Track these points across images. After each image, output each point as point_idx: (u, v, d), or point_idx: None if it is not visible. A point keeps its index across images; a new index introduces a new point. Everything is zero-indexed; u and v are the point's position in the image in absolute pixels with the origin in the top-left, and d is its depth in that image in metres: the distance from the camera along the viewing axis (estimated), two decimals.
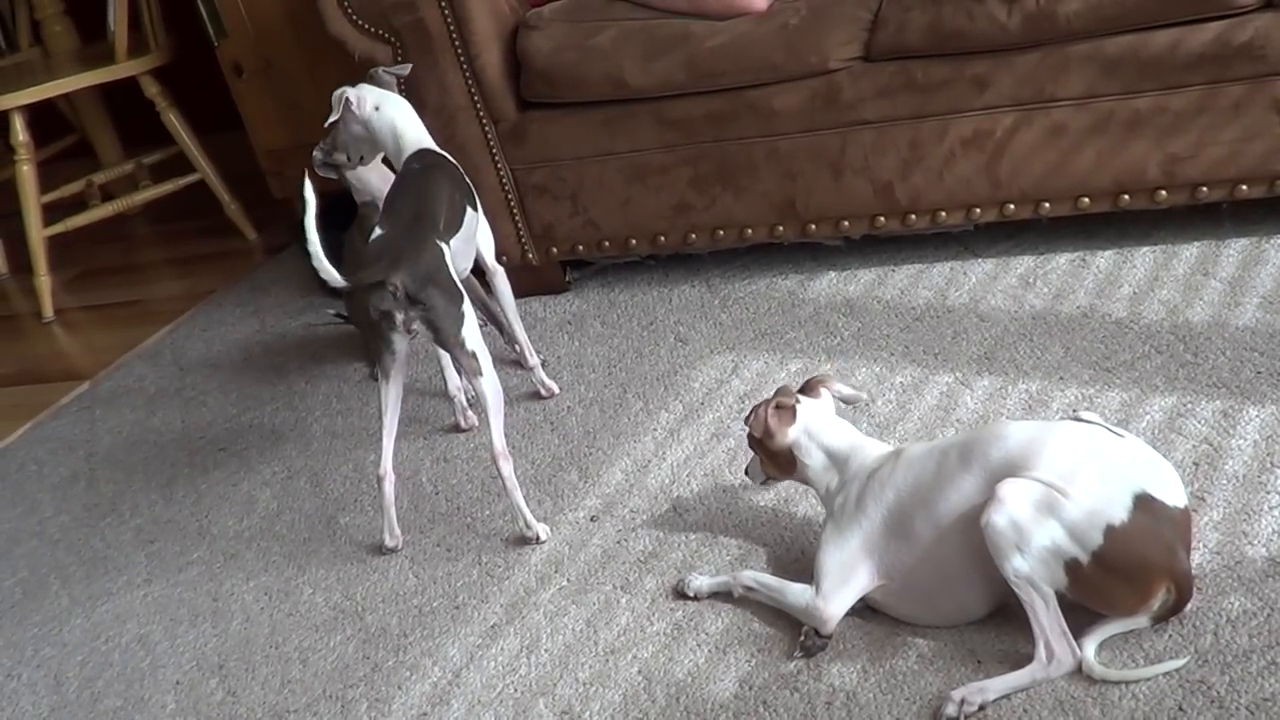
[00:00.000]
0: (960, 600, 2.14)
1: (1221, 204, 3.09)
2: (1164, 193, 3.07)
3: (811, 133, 3.25)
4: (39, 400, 3.97)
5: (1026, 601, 1.99)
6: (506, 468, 2.62)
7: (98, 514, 3.25)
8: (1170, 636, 2.02)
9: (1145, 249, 3.14)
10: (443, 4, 3.36)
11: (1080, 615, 2.01)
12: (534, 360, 3.17)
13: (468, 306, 2.63)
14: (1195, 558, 2.15)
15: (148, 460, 3.45)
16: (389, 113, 2.96)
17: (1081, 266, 3.14)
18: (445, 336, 2.62)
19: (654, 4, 3.39)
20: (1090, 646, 1.99)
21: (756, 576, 2.32)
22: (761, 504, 2.60)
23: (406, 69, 3.13)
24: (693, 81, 3.29)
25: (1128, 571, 1.96)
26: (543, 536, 2.66)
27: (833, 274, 3.41)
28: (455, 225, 2.80)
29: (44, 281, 4.61)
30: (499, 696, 2.31)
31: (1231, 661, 1.96)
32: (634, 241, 3.55)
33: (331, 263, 2.51)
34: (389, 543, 2.75)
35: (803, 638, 2.19)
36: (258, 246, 4.83)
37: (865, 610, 2.21)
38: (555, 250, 3.63)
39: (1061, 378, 2.75)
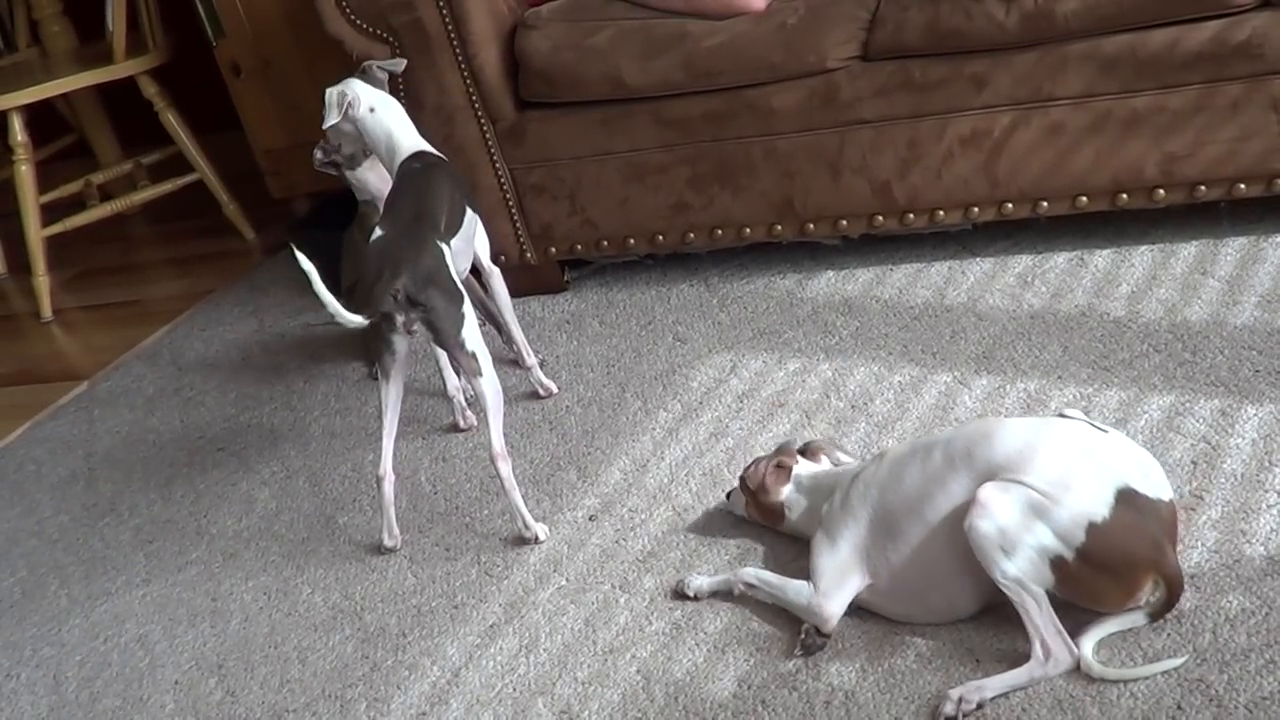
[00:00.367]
0: (951, 598, 2.14)
1: (1219, 203, 3.09)
2: (1162, 192, 3.07)
3: (809, 132, 3.25)
4: (37, 400, 3.97)
5: (1018, 603, 2.00)
6: (505, 468, 2.62)
7: (96, 514, 3.25)
8: (1169, 635, 2.02)
9: (1143, 248, 3.14)
10: (441, 3, 3.36)
11: (1079, 615, 2.02)
12: (531, 360, 3.17)
13: (468, 307, 2.63)
14: (1194, 556, 2.16)
15: (146, 460, 3.45)
16: (383, 116, 2.91)
17: (1080, 265, 3.14)
18: (445, 337, 2.62)
19: (652, 4, 3.39)
20: (1088, 645, 1.99)
21: (757, 574, 2.32)
22: None
23: (400, 64, 3.08)
24: (691, 81, 3.29)
25: (1112, 567, 1.97)
26: (541, 536, 2.66)
27: (831, 273, 3.41)
28: (456, 226, 2.80)
29: (42, 281, 4.60)
30: (498, 696, 2.31)
31: (1230, 660, 1.96)
32: (632, 241, 3.55)
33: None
34: (388, 543, 2.76)
35: (803, 636, 2.19)
36: (256, 246, 4.82)
37: (863, 610, 2.22)
38: (553, 250, 3.63)
39: (1060, 377, 2.75)
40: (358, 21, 3.43)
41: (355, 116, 2.91)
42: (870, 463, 2.28)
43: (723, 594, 2.37)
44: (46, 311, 4.63)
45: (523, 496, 2.69)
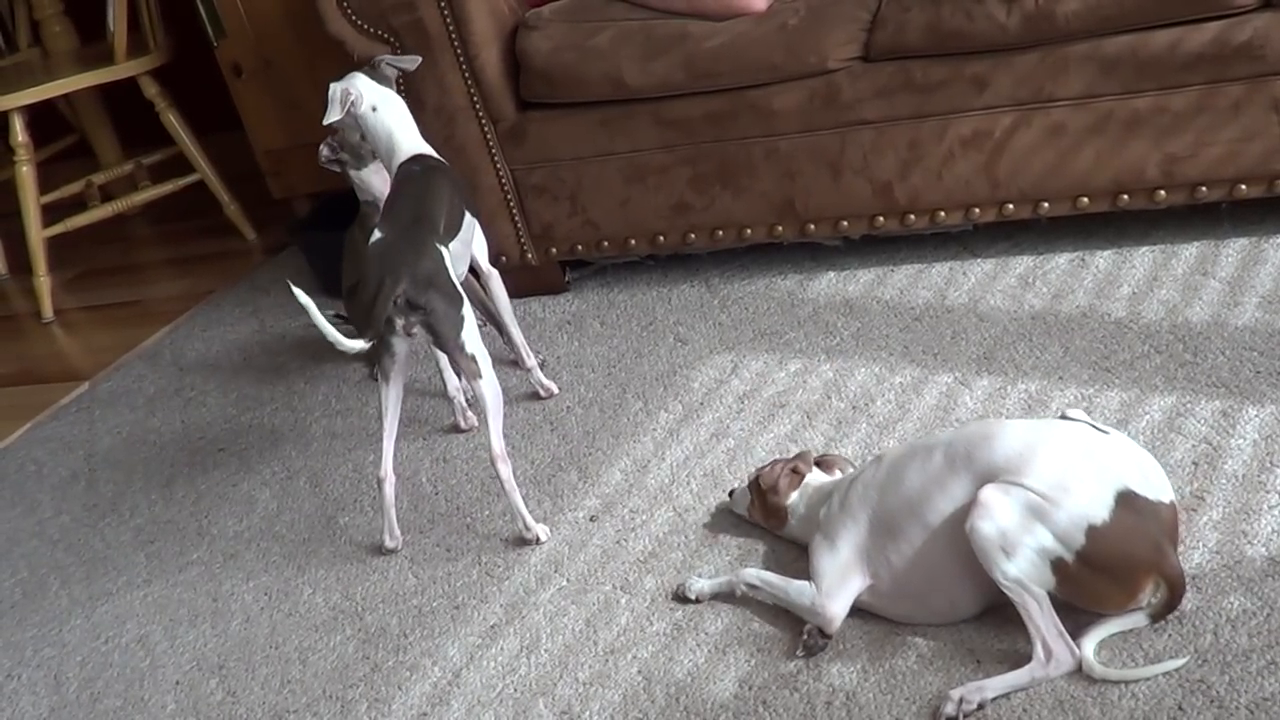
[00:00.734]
0: (952, 599, 2.14)
1: (1220, 204, 3.09)
2: (1163, 192, 3.07)
3: (810, 133, 3.25)
4: (38, 400, 3.97)
5: (1019, 604, 2.00)
6: (505, 470, 2.62)
7: (97, 514, 3.25)
8: (1170, 636, 2.02)
9: (1144, 249, 3.14)
10: (442, 4, 3.36)
11: (1080, 615, 2.02)
12: (532, 361, 3.17)
13: (467, 309, 2.63)
14: (1195, 557, 2.16)
15: (147, 460, 3.45)
16: (385, 115, 2.89)
17: (1080, 266, 3.14)
18: (445, 340, 2.62)
19: (653, 4, 3.39)
20: (1089, 646, 1.99)
21: (759, 574, 2.32)
22: None
23: (415, 61, 3.04)
24: (692, 81, 3.29)
25: (1112, 569, 1.97)
26: (542, 537, 2.66)
27: (832, 274, 3.41)
28: (455, 228, 2.80)
29: (43, 282, 4.61)
30: (499, 696, 2.31)
31: (1231, 661, 1.96)
32: (633, 241, 3.55)
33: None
34: (389, 544, 2.76)
35: (805, 637, 2.19)
36: (257, 247, 4.83)
37: (864, 611, 2.21)
38: (554, 250, 3.63)
39: (1061, 378, 2.75)
40: (359, 22, 3.43)
41: (357, 114, 2.89)
42: (869, 465, 2.29)
43: (724, 596, 2.37)
44: (47, 312, 4.63)
45: (524, 497, 2.69)
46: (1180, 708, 1.91)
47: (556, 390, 3.19)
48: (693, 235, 3.49)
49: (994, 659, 2.07)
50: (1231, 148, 2.96)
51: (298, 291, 2.54)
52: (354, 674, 2.47)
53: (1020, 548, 1.98)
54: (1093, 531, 1.95)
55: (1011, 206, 3.19)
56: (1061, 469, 2.00)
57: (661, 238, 3.52)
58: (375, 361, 2.72)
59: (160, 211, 5.29)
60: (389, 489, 2.71)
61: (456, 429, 3.14)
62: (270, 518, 3.03)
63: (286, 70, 4.44)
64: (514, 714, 2.26)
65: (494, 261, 3.17)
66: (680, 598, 2.40)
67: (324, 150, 3.20)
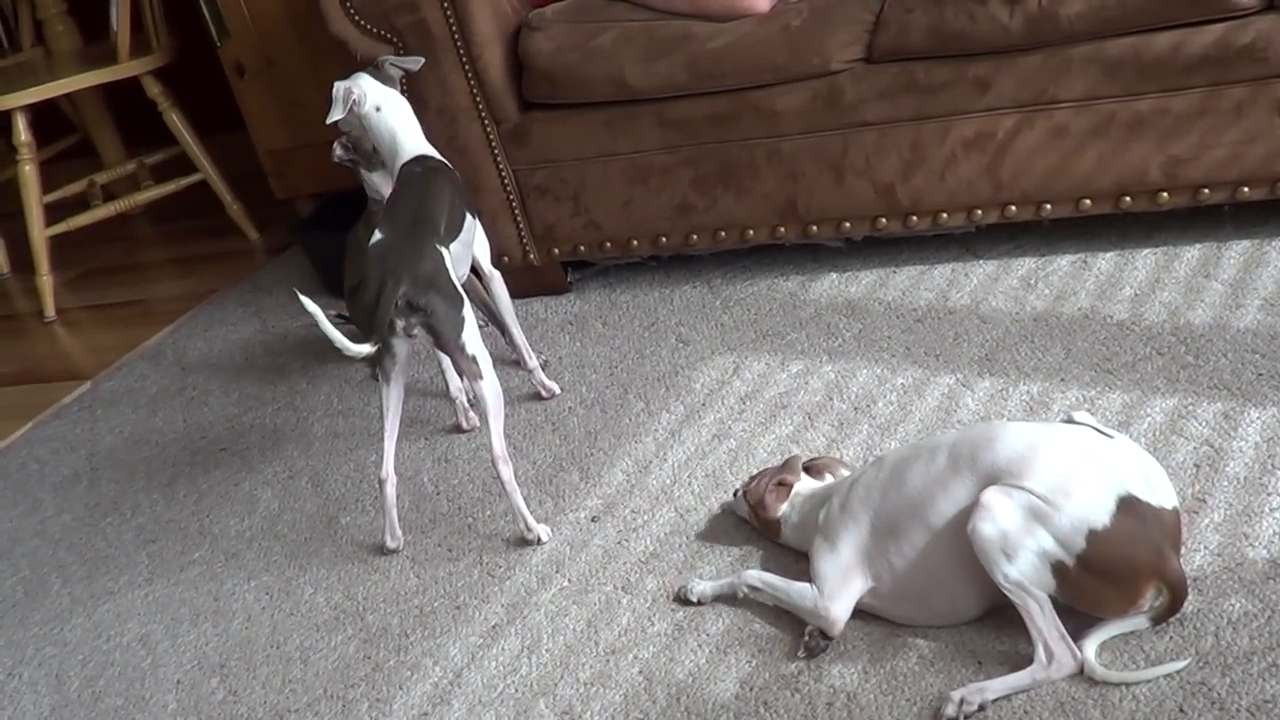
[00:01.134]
0: (954, 600, 2.14)
1: (1223, 206, 3.09)
2: (1165, 194, 3.07)
3: (813, 134, 3.25)
4: (40, 400, 3.97)
5: (1021, 606, 2.00)
6: (506, 471, 2.62)
7: (99, 513, 3.25)
8: (1171, 638, 2.02)
9: (1147, 251, 3.14)
10: (445, 4, 3.36)
11: (1081, 616, 2.02)
12: (533, 362, 3.17)
13: (468, 311, 2.63)
14: (1196, 559, 2.16)
15: (149, 460, 3.45)
16: (389, 116, 2.91)
17: (1083, 268, 3.15)
18: (446, 341, 2.62)
19: (655, 5, 3.39)
20: (1090, 648, 1.99)
21: (761, 576, 2.32)
22: None
23: (418, 62, 3.04)
24: (694, 82, 3.29)
25: (1113, 574, 1.97)
26: (543, 538, 2.66)
27: (834, 275, 3.41)
28: (455, 230, 2.80)
29: (46, 281, 4.61)
30: (500, 696, 2.31)
31: (1232, 663, 1.96)
32: (635, 242, 3.56)
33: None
34: (390, 544, 2.76)
35: (806, 638, 2.19)
36: (259, 246, 4.83)
37: (865, 612, 2.21)
38: (557, 251, 3.63)
39: (1063, 379, 2.75)
40: (362, 22, 3.44)
41: (360, 114, 2.90)
42: (869, 466, 2.28)
43: (726, 598, 2.37)
44: (50, 311, 4.64)
45: (525, 497, 2.69)
46: (1181, 710, 1.91)
47: (558, 391, 3.19)
48: (695, 236, 3.49)
49: (995, 660, 2.07)
50: (1234, 150, 2.96)
51: (305, 299, 2.54)
52: (355, 673, 2.47)
53: (1021, 550, 1.98)
54: (1093, 535, 1.95)
55: (1014, 208, 3.19)
56: (1063, 472, 2.00)
57: (664, 238, 3.52)
58: (376, 362, 2.72)
59: (163, 211, 5.30)
60: (390, 490, 2.71)
61: (458, 429, 3.14)
62: (272, 517, 3.04)
63: (289, 70, 4.44)
64: (515, 714, 2.26)
65: (496, 262, 3.17)
66: (682, 600, 2.40)
67: (337, 148, 3.21)
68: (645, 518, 2.66)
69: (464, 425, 3.14)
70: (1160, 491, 2.04)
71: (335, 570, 2.78)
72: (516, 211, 3.58)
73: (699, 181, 3.40)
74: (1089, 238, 3.24)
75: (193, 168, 4.83)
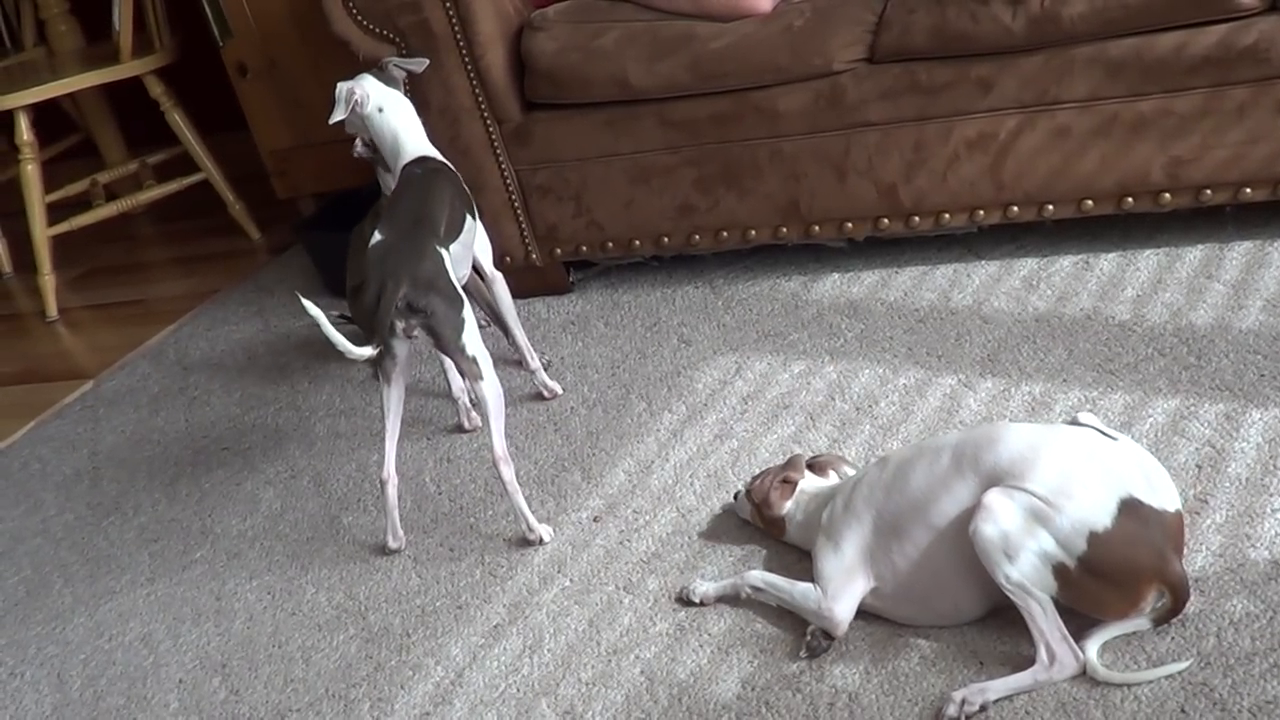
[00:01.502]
0: (956, 601, 2.14)
1: (1225, 207, 3.09)
2: (1168, 195, 3.07)
3: (815, 134, 3.26)
4: (42, 399, 3.97)
5: (1023, 607, 2.00)
6: (508, 472, 2.62)
7: (101, 513, 3.26)
8: (1173, 639, 2.02)
9: (1149, 251, 3.14)
10: (448, 5, 3.36)
11: (1083, 616, 2.02)
12: (535, 363, 3.17)
13: (468, 312, 2.63)
14: (1198, 560, 2.15)
15: (151, 459, 3.46)
16: (391, 117, 2.92)
17: (1085, 269, 3.14)
18: (446, 342, 2.62)
19: (658, 5, 3.39)
20: (1092, 648, 1.99)
21: (764, 576, 2.32)
22: None
23: (422, 64, 3.06)
24: (697, 83, 3.29)
25: (1114, 576, 1.97)
26: (545, 538, 2.66)
27: (836, 275, 3.41)
28: (455, 231, 2.80)
29: (48, 280, 4.61)
30: (501, 696, 2.31)
31: (1234, 664, 1.96)
32: (637, 242, 3.56)
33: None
34: (392, 544, 2.76)
35: (808, 638, 2.19)
36: (262, 246, 4.83)
37: (867, 612, 2.21)
38: (559, 251, 3.63)
39: (1064, 380, 2.75)
40: (364, 22, 3.44)
41: (363, 114, 2.92)
42: (872, 466, 2.29)
43: (728, 598, 2.37)
44: (52, 310, 4.64)
45: (527, 498, 2.69)
46: (1183, 710, 1.91)
47: (560, 391, 3.19)
48: (697, 236, 3.49)
49: (997, 661, 2.07)
50: (1237, 151, 2.96)
51: (306, 302, 2.54)
52: (357, 673, 2.47)
53: (1022, 551, 1.98)
54: (1094, 538, 1.95)
55: (1016, 209, 3.19)
56: (1065, 474, 2.00)
57: (666, 239, 3.52)
58: (377, 363, 2.72)
59: (165, 211, 5.30)
60: (392, 490, 2.71)
61: (460, 429, 3.15)
62: (274, 517, 3.04)
63: (292, 70, 4.44)
64: (516, 714, 2.26)
65: (498, 262, 3.17)
66: (683, 600, 2.40)
67: (359, 145, 3.21)
68: (647, 518, 2.67)
69: (466, 425, 3.14)
70: (1163, 494, 2.03)
71: (337, 570, 2.78)
72: (519, 211, 3.58)
73: (701, 182, 3.40)
74: (1091, 238, 3.24)
75: (195, 167, 4.84)
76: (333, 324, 2.54)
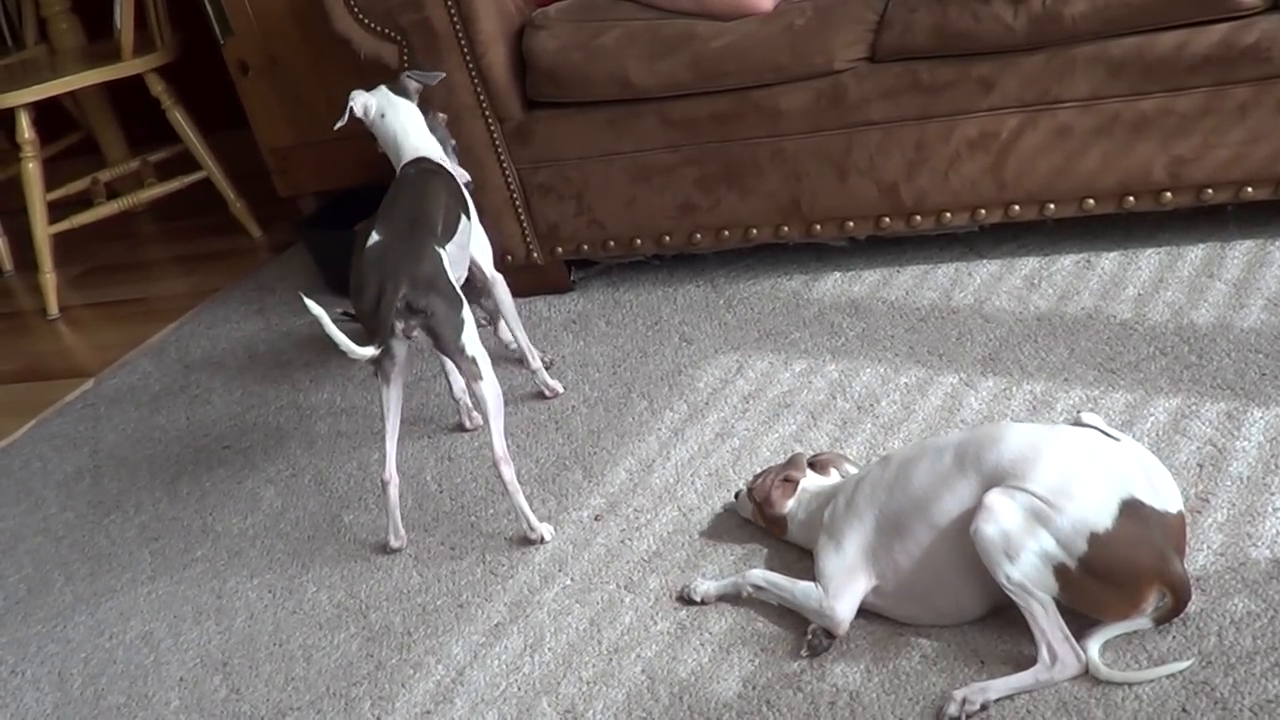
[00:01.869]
0: (958, 600, 2.14)
1: (1227, 206, 3.09)
2: (1169, 194, 3.07)
3: (817, 133, 3.25)
4: (43, 397, 3.97)
5: (1024, 607, 2.00)
6: (508, 472, 2.62)
7: (102, 511, 3.26)
8: (1174, 638, 2.02)
9: (1150, 250, 3.14)
10: (449, 3, 3.36)
11: (1084, 615, 2.02)
12: (537, 363, 3.17)
13: (467, 312, 2.63)
14: (1199, 559, 2.15)
15: (152, 458, 3.46)
16: (392, 120, 2.96)
17: (1086, 268, 3.14)
18: (445, 343, 2.61)
19: (660, 4, 3.39)
20: (1093, 647, 1.99)
21: (765, 575, 2.32)
22: None
23: (436, 77, 3.09)
24: (698, 82, 3.29)
25: (1115, 577, 1.97)
26: (546, 537, 2.66)
27: (837, 274, 3.41)
28: (451, 231, 2.80)
29: (49, 279, 4.62)
30: (502, 695, 2.31)
31: (1235, 663, 1.96)
32: (639, 241, 3.56)
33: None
34: (394, 544, 2.76)
35: (810, 637, 2.19)
36: (263, 244, 4.83)
37: (869, 611, 2.21)
38: (560, 250, 3.63)
39: (1066, 379, 2.75)
40: (365, 20, 3.44)
41: (369, 120, 2.98)
42: (874, 465, 2.29)
43: (729, 597, 2.37)
44: (53, 309, 4.64)
45: (528, 496, 2.69)
46: (1184, 710, 1.91)
47: (561, 390, 3.19)
48: (698, 235, 3.49)
49: (998, 660, 2.07)
50: (1238, 150, 2.96)
51: (309, 301, 2.53)
52: (358, 672, 2.47)
53: (1023, 551, 1.98)
54: (1095, 539, 1.95)
55: (1017, 208, 3.19)
56: (1066, 474, 2.00)
57: (667, 237, 3.52)
58: (376, 363, 2.72)
59: (166, 209, 5.30)
60: (393, 491, 2.71)
61: (461, 428, 3.15)
62: (275, 515, 3.04)
63: (293, 68, 4.44)
64: (517, 712, 2.26)
65: (499, 261, 3.17)
66: (684, 599, 2.40)
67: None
68: (648, 516, 2.67)
69: (467, 425, 3.14)
70: (1164, 494, 2.03)
71: (338, 568, 2.78)
72: (520, 210, 3.58)
73: (702, 180, 3.40)
74: (1092, 237, 3.24)
75: (196, 165, 4.84)
76: (335, 322, 2.54)
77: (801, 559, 2.38)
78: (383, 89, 3.00)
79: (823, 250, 3.51)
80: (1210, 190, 3.03)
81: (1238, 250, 3.05)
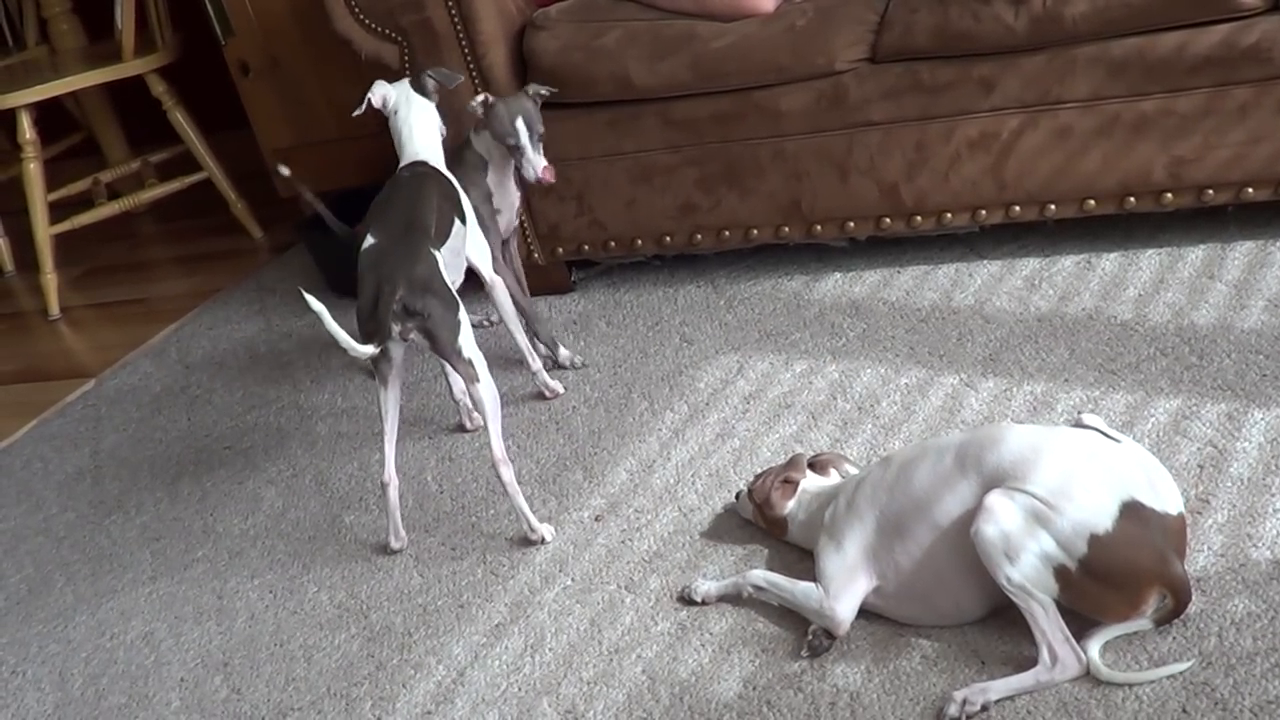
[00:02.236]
0: (958, 601, 2.14)
1: (1227, 207, 3.09)
2: (1170, 195, 3.07)
3: (817, 134, 3.26)
4: (44, 398, 3.98)
5: (1025, 609, 2.00)
6: (507, 473, 2.62)
7: (103, 511, 3.26)
8: (1174, 639, 2.02)
9: (1151, 251, 3.14)
10: (449, 3, 3.37)
11: (1083, 617, 2.02)
12: (536, 365, 3.17)
13: (464, 315, 2.63)
14: (1200, 560, 2.16)
15: (153, 458, 3.46)
16: (404, 117, 2.94)
17: (1087, 268, 3.14)
18: (443, 345, 2.61)
19: (661, 4, 3.39)
20: (1094, 647, 1.99)
21: (766, 576, 2.32)
22: None
23: (456, 80, 3.04)
24: (699, 82, 3.29)
25: (1115, 579, 1.97)
26: (547, 538, 2.66)
27: (838, 275, 3.41)
28: (444, 235, 2.79)
29: (50, 279, 4.62)
30: (503, 695, 2.31)
31: (1235, 664, 1.96)
32: (639, 242, 3.56)
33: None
34: (394, 545, 2.76)
35: (810, 637, 2.19)
36: (264, 245, 4.84)
37: (869, 612, 2.21)
38: (561, 250, 3.63)
39: (1066, 380, 2.75)
40: (366, 21, 3.44)
41: (386, 112, 2.97)
42: (875, 466, 2.29)
43: (729, 597, 2.37)
44: (54, 309, 4.64)
45: (529, 497, 2.69)
46: (1184, 710, 1.91)
47: (562, 390, 3.19)
48: (699, 236, 3.49)
49: (999, 661, 2.07)
50: (1239, 150, 2.96)
51: (310, 298, 2.53)
52: (359, 672, 2.47)
53: (1023, 553, 1.98)
54: (1095, 540, 1.95)
55: (1018, 208, 3.19)
56: (1066, 476, 2.00)
57: (668, 238, 3.52)
58: (374, 365, 2.71)
59: (167, 209, 5.30)
60: (393, 493, 2.71)
61: (462, 429, 3.15)
62: (276, 516, 3.04)
63: (294, 69, 4.44)
64: (518, 713, 2.26)
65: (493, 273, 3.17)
66: (685, 599, 2.40)
67: None
68: (649, 517, 2.67)
69: (467, 425, 3.14)
70: (1165, 496, 2.03)
71: (339, 569, 2.78)
72: (520, 211, 3.57)
73: (703, 181, 3.40)
74: (1093, 238, 3.24)
75: (197, 166, 4.84)
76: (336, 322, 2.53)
77: (802, 559, 2.38)
78: (404, 83, 2.98)
79: (823, 251, 3.51)
80: (1211, 191, 3.03)
81: (1238, 251, 3.05)
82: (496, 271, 3.06)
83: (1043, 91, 3.05)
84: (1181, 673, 1.96)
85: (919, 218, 3.28)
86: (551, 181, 3.08)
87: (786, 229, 3.41)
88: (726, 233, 3.46)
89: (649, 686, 2.23)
